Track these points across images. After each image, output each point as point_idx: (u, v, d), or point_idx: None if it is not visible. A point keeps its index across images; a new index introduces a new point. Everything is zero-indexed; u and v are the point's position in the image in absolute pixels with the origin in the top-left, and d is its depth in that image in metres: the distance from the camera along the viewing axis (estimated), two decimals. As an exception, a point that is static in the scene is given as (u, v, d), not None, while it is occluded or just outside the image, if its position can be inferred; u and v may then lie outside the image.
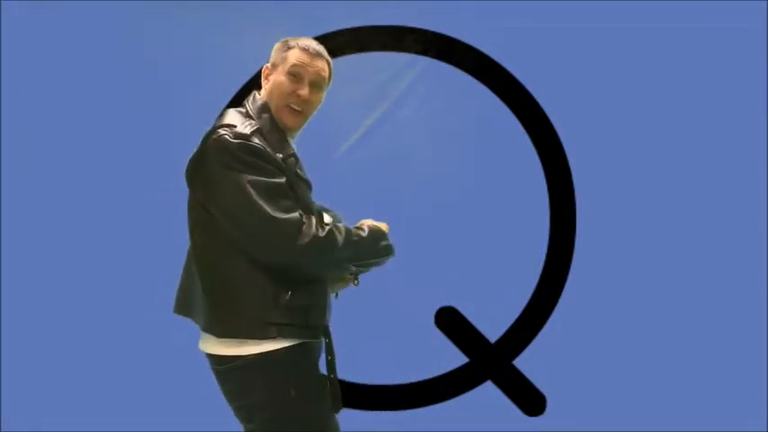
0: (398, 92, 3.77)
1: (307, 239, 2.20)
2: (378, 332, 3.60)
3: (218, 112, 2.40)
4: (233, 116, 2.31)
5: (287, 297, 2.23)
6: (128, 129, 3.71)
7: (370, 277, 2.49)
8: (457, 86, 3.76)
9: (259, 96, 2.40)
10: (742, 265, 3.67)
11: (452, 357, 3.73)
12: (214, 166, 2.21)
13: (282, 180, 2.24)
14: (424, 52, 3.75)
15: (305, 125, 2.45)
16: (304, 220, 2.22)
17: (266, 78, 2.42)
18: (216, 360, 2.29)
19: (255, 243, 2.20)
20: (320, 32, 3.67)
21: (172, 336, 3.39)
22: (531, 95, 3.73)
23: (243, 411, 2.31)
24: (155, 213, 3.59)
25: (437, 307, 3.72)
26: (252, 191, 2.18)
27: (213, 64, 3.72)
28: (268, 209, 2.18)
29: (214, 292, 2.25)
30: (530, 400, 3.70)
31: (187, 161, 2.30)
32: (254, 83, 3.63)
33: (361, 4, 3.72)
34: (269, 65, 2.43)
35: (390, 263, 2.47)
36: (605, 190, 3.70)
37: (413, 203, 3.73)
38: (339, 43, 3.72)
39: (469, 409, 3.71)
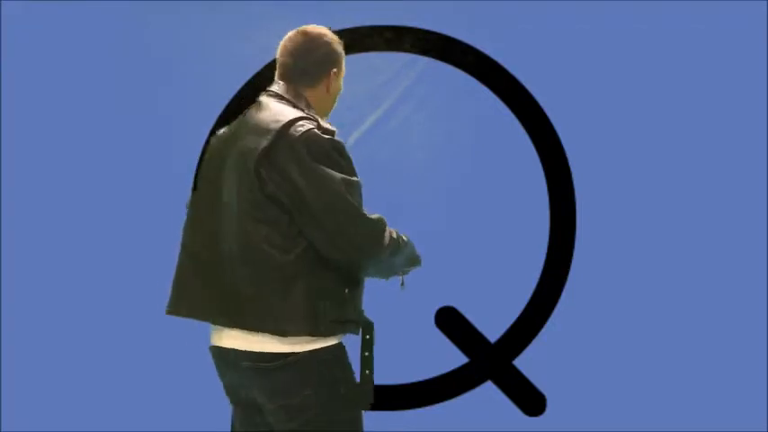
0: (398, 92, 3.77)
1: (388, 240, 2.22)
2: (377, 332, 3.59)
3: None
4: (293, 111, 2.25)
5: (346, 292, 2.24)
6: (129, 128, 3.71)
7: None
8: (457, 86, 3.76)
9: (306, 96, 2.33)
10: (742, 264, 3.67)
11: (452, 357, 3.73)
12: (305, 160, 2.15)
13: (360, 180, 2.24)
14: (424, 52, 3.75)
15: None
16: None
17: (331, 82, 2.37)
18: (258, 357, 2.20)
19: (342, 241, 2.16)
20: (320, 32, 3.67)
21: (172, 336, 3.40)
22: (531, 95, 3.73)
23: (284, 411, 2.24)
24: (154, 212, 3.59)
25: (437, 307, 3.72)
26: (345, 189, 2.16)
27: (212, 63, 3.72)
28: (360, 208, 2.18)
29: (270, 289, 2.17)
30: (530, 400, 3.70)
31: (260, 150, 2.17)
32: (255, 81, 3.65)
33: (361, 4, 3.72)
34: (336, 69, 2.37)
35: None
36: (605, 190, 3.70)
37: (412, 203, 3.73)
38: (339, 43, 3.71)
39: (469, 409, 3.71)
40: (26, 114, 3.74)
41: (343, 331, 2.26)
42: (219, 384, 2.43)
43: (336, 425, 2.26)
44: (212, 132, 2.46)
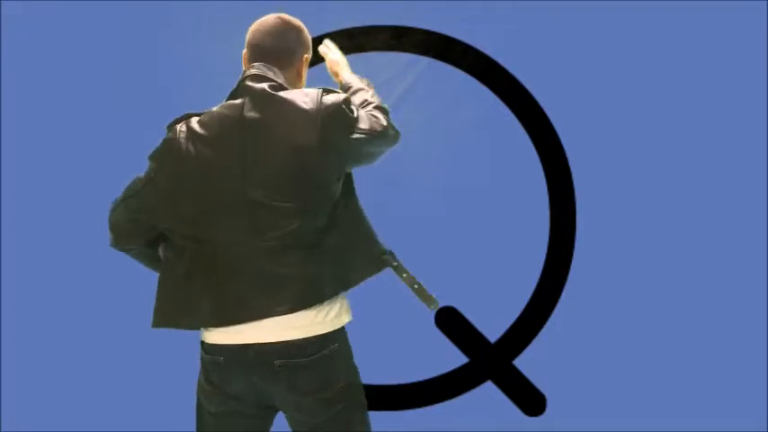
0: (398, 92, 3.78)
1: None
2: (378, 332, 3.60)
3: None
4: (303, 89, 2.30)
5: (374, 230, 2.37)
6: (129, 128, 3.71)
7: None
8: (457, 86, 3.76)
9: (283, 79, 2.33)
10: (742, 264, 3.67)
11: (452, 357, 3.73)
12: (351, 126, 2.24)
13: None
14: (424, 52, 3.75)
15: None
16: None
17: (303, 67, 2.40)
18: (299, 351, 2.20)
19: (392, 141, 2.40)
20: (320, 32, 3.67)
21: (172, 336, 3.40)
22: (531, 95, 3.74)
23: (321, 403, 2.23)
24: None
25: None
26: (374, 119, 2.31)
27: (212, 63, 3.72)
28: (383, 120, 2.35)
29: (319, 264, 2.22)
30: (530, 400, 3.71)
31: (312, 136, 2.18)
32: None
33: (361, 4, 3.72)
34: (308, 55, 2.40)
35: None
36: (605, 189, 3.71)
37: (412, 204, 3.73)
38: (339, 43, 3.71)
39: (469, 409, 3.71)
40: (26, 114, 3.75)
41: (391, 262, 2.39)
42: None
43: (361, 407, 2.31)
44: (171, 128, 2.34)
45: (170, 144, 2.29)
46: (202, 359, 2.32)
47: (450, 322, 3.72)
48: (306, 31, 2.40)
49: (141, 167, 3.82)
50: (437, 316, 3.72)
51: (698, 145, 3.69)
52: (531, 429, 3.68)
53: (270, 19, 2.39)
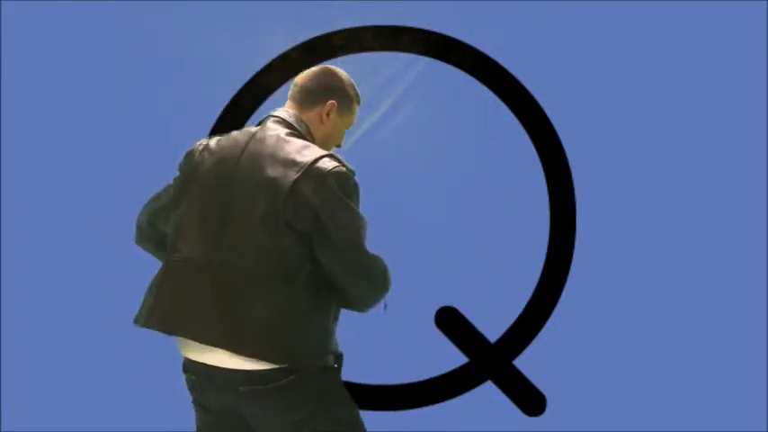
0: (398, 92, 3.78)
1: (389, 280, 2.33)
2: (378, 332, 3.60)
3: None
4: (310, 144, 2.27)
5: (335, 325, 2.30)
6: (128, 128, 3.72)
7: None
8: (457, 86, 3.76)
9: (305, 121, 2.35)
10: (742, 264, 3.67)
11: (452, 357, 3.73)
12: (335, 194, 2.18)
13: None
14: (424, 52, 3.75)
15: None
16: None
17: (328, 116, 2.37)
18: (261, 380, 2.19)
19: (360, 275, 2.25)
20: (320, 32, 3.68)
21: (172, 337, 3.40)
22: (531, 95, 3.74)
23: (292, 425, 2.24)
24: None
25: (437, 307, 3.73)
26: (364, 229, 2.22)
27: (212, 63, 3.72)
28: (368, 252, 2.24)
29: (273, 320, 2.17)
30: (530, 400, 3.71)
31: (289, 181, 2.17)
32: (255, 82, 3.66)
33: (361, 4, 3.72)
34: (335, 102, 2.37)
35: (391, 263, 2.45)
36: (606, 190, 3.70)
37: (412, 204, 3.73)
38: (339, 43, 3.72)
39: (469, 409, 3.71)
40: (26, 114, 3.75)
41: (337, 363, 2.31)
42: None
43: (343, 425, 2.33)
44: (195, 143, 2.41)
45: (188, 156, 2.38)
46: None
47: (451, 322, 3.72)
48: (343, 81, 2.41)
49: (140, 168, 3.84)
50: (437, 316, 3.72)
51: (698, 145, 3.69)
52: (530, 429, 3.68)
53: (315, 67, 2.45)
